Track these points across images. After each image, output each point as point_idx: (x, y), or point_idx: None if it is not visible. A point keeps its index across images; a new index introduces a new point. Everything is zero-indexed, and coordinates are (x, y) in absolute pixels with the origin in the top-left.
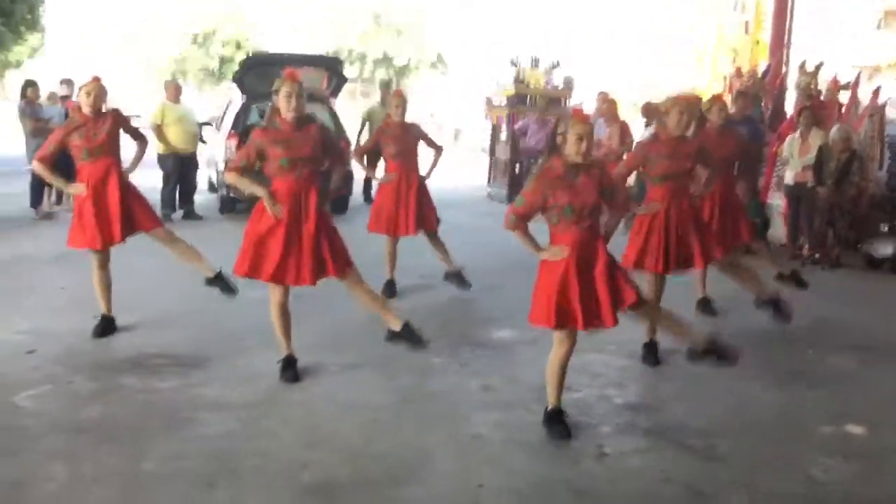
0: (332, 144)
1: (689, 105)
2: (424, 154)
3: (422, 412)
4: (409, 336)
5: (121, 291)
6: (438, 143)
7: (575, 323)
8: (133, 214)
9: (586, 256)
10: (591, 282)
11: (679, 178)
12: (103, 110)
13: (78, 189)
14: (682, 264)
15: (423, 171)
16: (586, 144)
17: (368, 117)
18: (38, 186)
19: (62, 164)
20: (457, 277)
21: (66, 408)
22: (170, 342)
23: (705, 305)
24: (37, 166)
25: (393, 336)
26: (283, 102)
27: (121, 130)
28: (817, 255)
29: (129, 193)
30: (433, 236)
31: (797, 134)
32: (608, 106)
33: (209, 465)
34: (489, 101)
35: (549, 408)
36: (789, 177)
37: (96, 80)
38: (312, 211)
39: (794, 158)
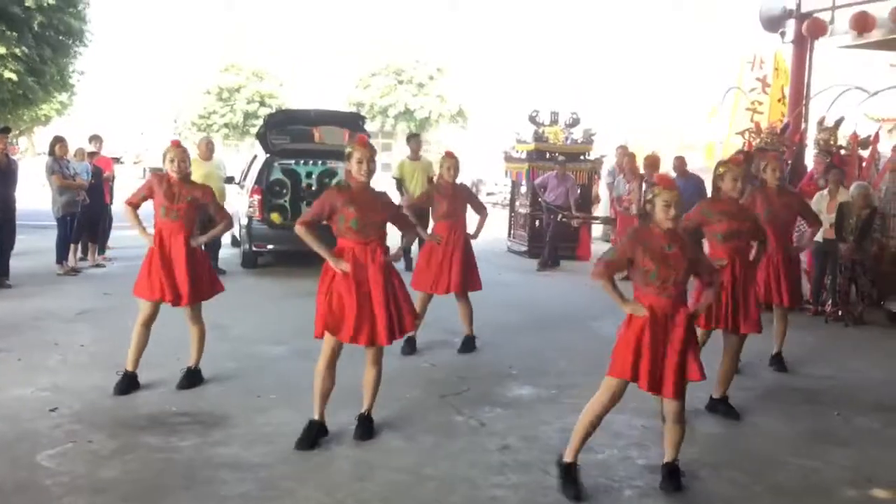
0: (399, 213)
1: (741, 169)
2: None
3: (441, 473)
4: None
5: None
6: (484, 207)
7: (638, 380)
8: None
9: (664, 322)
10: (664, 349)
11: (741, 237)
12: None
13: (148, 239)
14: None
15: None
16: (675, 212)
17: (401, 173)
18: (64, 241)
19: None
20: (468, 343)
21: (85, 467)
22: (190, 400)
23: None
24: (124, 208)
25: None
26: (356, 167)
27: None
28: (840, 312)
29: (196, 261)
30: (464, 296)
31: (825, 191)
32: (628, 160)
33: None
34: (508, 156)
35: (566, 461)
36: (818, 234)
37: (176, 144)
38: (379, 272)
39: (822, 215)
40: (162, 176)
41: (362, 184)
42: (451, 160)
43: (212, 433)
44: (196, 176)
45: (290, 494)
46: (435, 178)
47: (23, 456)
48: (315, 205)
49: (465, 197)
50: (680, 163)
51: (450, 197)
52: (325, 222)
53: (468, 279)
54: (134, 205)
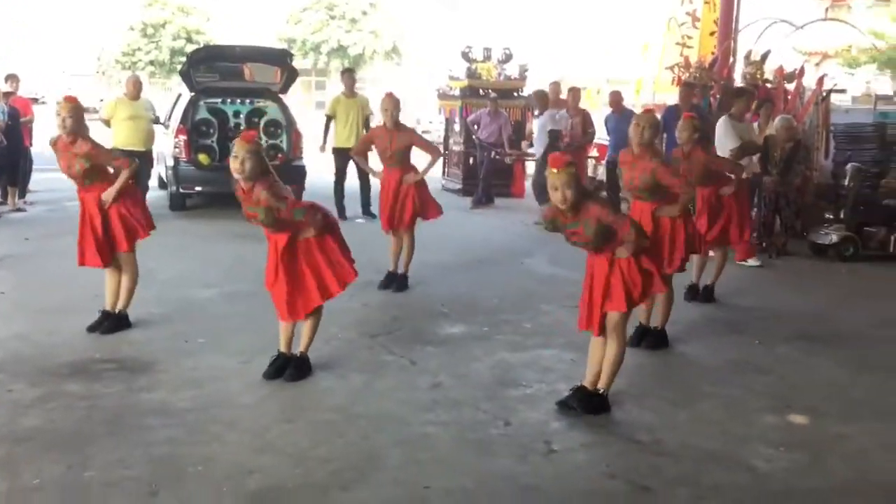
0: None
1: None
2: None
3: (371, 412)
4: None
5: (69, 294)
6: (436, 148)
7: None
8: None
9: (601, 273)
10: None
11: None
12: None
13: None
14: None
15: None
16: (562, 195)
17: (333, 110)
18: None
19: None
20: (403, 282)
21: (6, 416)
22: (114, 346)
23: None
24: None
25: None
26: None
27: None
28: (764, 244)
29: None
30: (411, 234)
31: (755, 125)
32: (573, 95)
33: (153, 473)
34: (442, 93)
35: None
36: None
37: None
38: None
39: None
40: (55, 140)
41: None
42: (389, 101)
43: (137, 379)
44: (123, 116)
45: (217, 438)
46: (372, 120)
47: None
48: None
49: (408, 140)
50: (615, 97)
51: (392, 141)
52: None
53: (423, 211)
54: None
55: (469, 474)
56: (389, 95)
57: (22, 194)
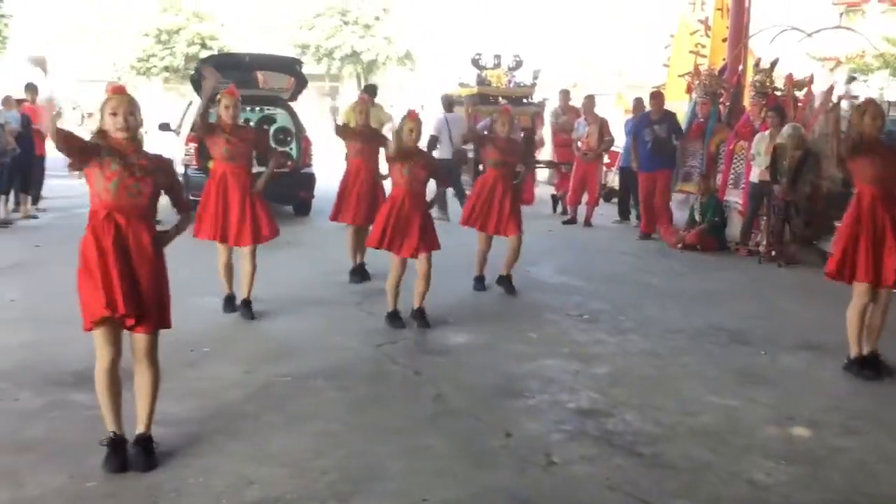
0: None
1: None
2: None
3: (372, 423)
4: None
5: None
6: (445, 181)
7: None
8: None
9: None
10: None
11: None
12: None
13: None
14: None
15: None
16: None
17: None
18: None
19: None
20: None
21: (11, 425)
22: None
23: None
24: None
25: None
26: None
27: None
28: (773, 253)
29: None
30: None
31: (766, 133)
32: (587, 103)
33: (154, 483)
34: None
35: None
36: (755, 174)
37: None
38: None
39: (760, 156)
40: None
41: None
42: (413, 122)
43: None
44: None
45: (218, 449)
46: (388, 129)
47: None
48: None
49: (429, 169)
50: (639, 104)
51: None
52: None
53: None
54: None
55: (468, 486)
56: (413, 115)
57: (35, 201)
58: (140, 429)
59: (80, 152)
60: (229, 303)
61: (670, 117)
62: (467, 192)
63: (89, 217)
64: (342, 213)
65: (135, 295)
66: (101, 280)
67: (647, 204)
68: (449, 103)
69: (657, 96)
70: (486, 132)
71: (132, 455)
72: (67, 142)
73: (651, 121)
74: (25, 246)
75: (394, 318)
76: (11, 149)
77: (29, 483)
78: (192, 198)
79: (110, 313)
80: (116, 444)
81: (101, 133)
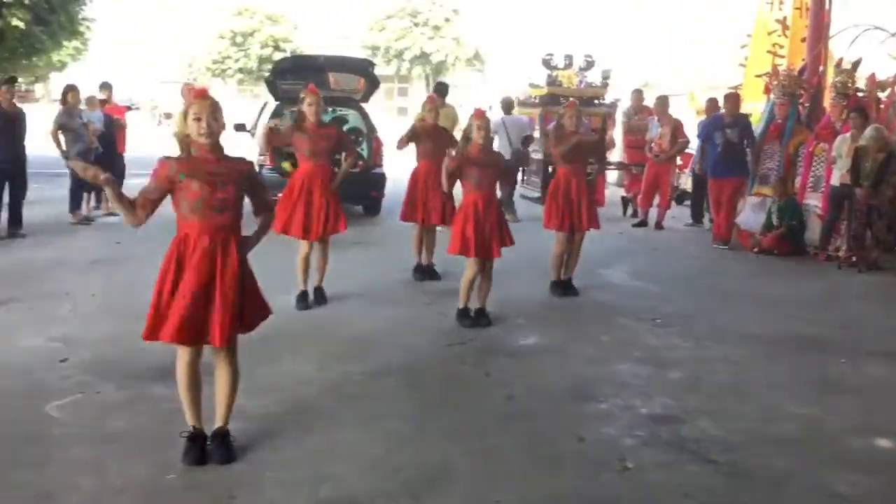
0: None
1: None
2: None
3: (444, 423)
4: None
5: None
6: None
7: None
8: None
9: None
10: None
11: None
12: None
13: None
14: None
15: None
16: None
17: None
18: (77, 191)
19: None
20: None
21: (94, 418)
22: None
23: None
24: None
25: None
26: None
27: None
28: (854, 258)
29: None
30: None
31: (848, 135)
32: (660, 103)
33: (231, 476)
34: (522, 101)
35: None
36: (836, 177)
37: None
38: None
39: (842, 159)
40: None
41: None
42: (480, 120)
43: None
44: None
45: (295, 444)
46: (457, 130)
47: (33, 407)
48: None
49: (497, 168)
50: (712, 104)
51: (481, 165)
52: None
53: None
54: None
55: (540, 489)
56: (479, 113)
57: None
58: (218, 423)
59: (159, 200)
60: (303, 299)
61: (743, 120)
62: (534, 195)
63: (177, 232)
64: (412, 213)
65: (204, 322)
66: (172, 304)
67: (718, 209)
68: (507, 105)
69: (732, 98)
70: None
71: (210, 448)
72: (144, 207)
73: (723, 123)
74: (107, 243)
75: (463, 315)
76: (95, 147)
77: (112, 474)
78: None
79: (173, 340)
80: (195, 438)
81: (183, 138)
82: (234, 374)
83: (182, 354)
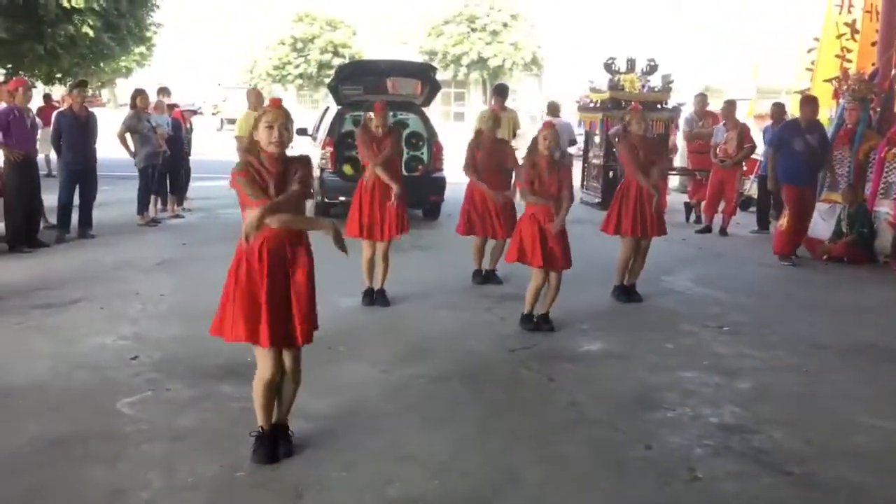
0: None
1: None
2: None
3: (509, 428)
4: None
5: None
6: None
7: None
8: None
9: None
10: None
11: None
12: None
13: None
14: None
15: None
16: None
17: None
18: (144, 193)
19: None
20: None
21: (164, 415)
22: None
23: None
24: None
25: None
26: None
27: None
28: None
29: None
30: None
31: None
32: (727, 108)
33: (298, 475)
34: (582, 105)
35: None
36: None
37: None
38: None
39: None
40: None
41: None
42: (547, 129)
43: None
44: (247, 128)
45: (359, 445)
46: (516, 133)
47: (104, 403)
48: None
49: (563, 178)
50: (778, 110)
51: (546, 175)
52: None
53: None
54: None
55: (609, 498)
56: (548, 124)
57: (180, 202)
58: (280, 419)
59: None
60: (368, 295)
61: (821, 127)
62: (594, 200)
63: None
64: (470, 227)
65: (283, 324)
66: (248, 310)
67: (801, 218)
68: (553, 109)
69: (811, 102)
70: (616, 138)
71: (287, 444)
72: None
73: (802, 129)
74: (173, 244)
75: (527, 320)
76: (163, 151)
77: (182, 471)
78: (327, 201)
79: (255, 342)
80: (265, 438)
81: (251, 144)
82: (298, 382)
83: (263, 368)
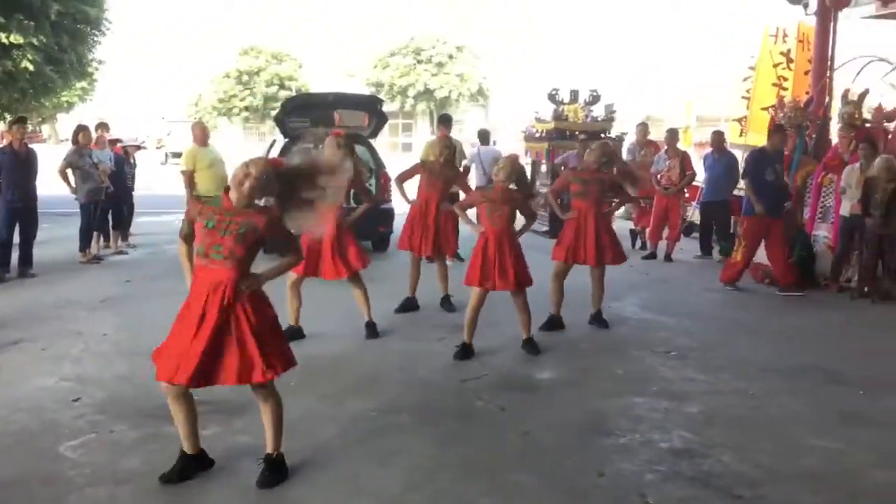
0: None
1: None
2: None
3: (461, 459)
4: None
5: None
6: (535, 215)
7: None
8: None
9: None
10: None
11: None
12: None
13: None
14: None
15: None
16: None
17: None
18: (86, 230)
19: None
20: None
21: (108, 457)
22: (211, 388)
23: None
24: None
25: None
26: None
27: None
28: (867, 288)
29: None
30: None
31: (857, 165)
32: (670, 136)
33: None
34: (528, 136)
35: None
36: (846, 208)
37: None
38: None
39: (851, 189)
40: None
41: None
42: (506, 160)
43: (233, 422)
44: (204, 164)
45: (310, 482)
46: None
47: (46, 447)
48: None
49: (515, 204)
50: (717, 138)
51: (498, 203)
52: None
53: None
54: None
55: None
56: (513, 159)
57: (124, 237)
58: (267, 449)
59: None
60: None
61: (781, 156)
62: (541, 229)
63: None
64: (409, 243)
65: (210, 365)
66: (182, 346)
67: (777, 252)
68: (483, 136)
69: (780, 130)
70: (563, 168)
71: (262, 473)
72: None
73: (772, 157)
74: (117, 281)
75: (466, 350)
76: (105, 187)
77: None
78: None
79: (169, 380)
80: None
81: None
82: (275, 405)
83: (169, 392)
